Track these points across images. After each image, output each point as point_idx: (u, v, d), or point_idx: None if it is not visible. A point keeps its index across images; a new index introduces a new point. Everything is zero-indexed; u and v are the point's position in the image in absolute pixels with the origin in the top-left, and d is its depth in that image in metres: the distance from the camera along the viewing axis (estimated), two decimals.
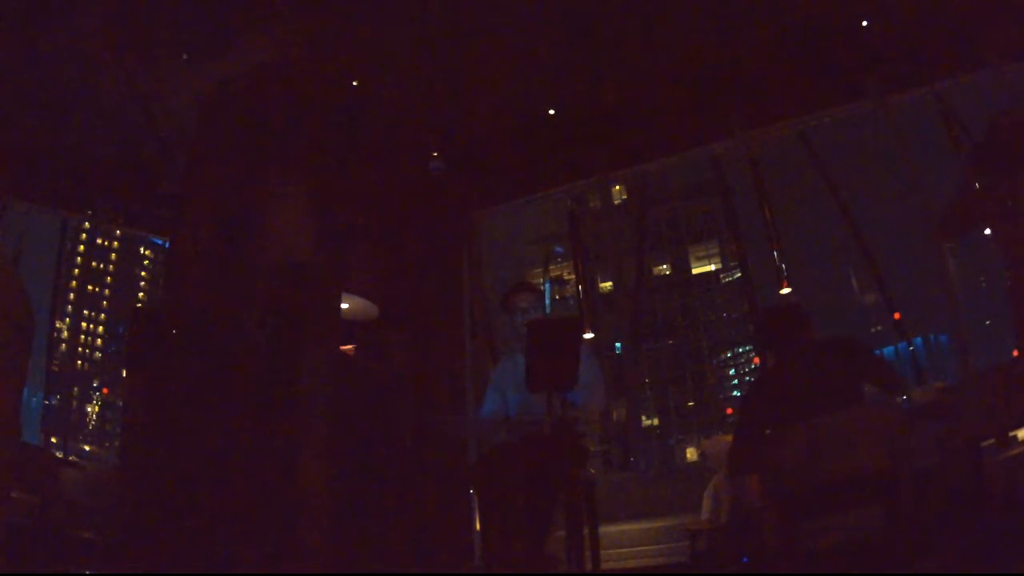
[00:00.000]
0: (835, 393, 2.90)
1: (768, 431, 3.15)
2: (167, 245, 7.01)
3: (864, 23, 5.72)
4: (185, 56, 5.26)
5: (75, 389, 53.60)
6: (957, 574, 2.64)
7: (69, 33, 5.10)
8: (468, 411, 6.43)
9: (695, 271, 49.54)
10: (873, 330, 35.68)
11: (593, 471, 4.02)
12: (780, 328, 3.32)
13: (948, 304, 6.04)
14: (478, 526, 5.07)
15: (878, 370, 3.17)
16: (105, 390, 53.64)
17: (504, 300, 3.79)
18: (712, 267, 49.27)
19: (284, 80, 4.86)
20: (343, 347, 4.72)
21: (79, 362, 55.35)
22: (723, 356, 48.39)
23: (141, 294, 57.73)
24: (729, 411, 46.69)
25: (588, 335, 7.79)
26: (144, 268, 59.60)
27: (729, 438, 5.81)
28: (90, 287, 57.35)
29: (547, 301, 4.19)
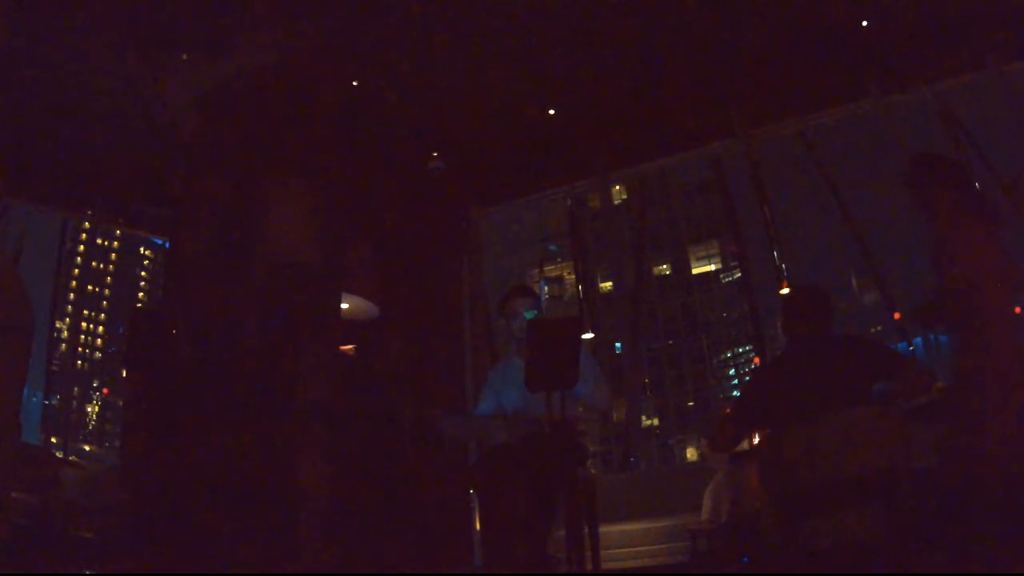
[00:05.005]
0: (840, 392, 2.89)
1: (765, 422, 3.12)
2: (167, 245, 7.01)
3: (864, 23, 5.72)
4: (185, 56, 5.26)
5: (75, 389, 53.66)
6: (957, 574, 2.64)
7: (69, 33, 5.10)
8: (468, 411, 6.43)
9: (695, 271, 49.54)
10: (873, 330, 35.65)
11: (593, 471, 4.03)
12: (802, 307, 3.25)
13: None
14: (478, 526, 5.06)
15: (892, 364, 3.03)
16: (105, 390, 53.71)
17: (501, 305, 3.80)
18: (712, 267, 49.26)
19: (284, 80, 4.87)
20: (343, 347, 4.72)
21: (79, 362, 55.40)
22: (723, 356, 48.36)
23: (141, 294, 57.81)
24: (729, 411, 46.60)
25: (588, 335, 7.79)
26: (144, 268, 59.69)
27: None
28: (90, 287, 57.43)
29: (542, 299, 4.23)
